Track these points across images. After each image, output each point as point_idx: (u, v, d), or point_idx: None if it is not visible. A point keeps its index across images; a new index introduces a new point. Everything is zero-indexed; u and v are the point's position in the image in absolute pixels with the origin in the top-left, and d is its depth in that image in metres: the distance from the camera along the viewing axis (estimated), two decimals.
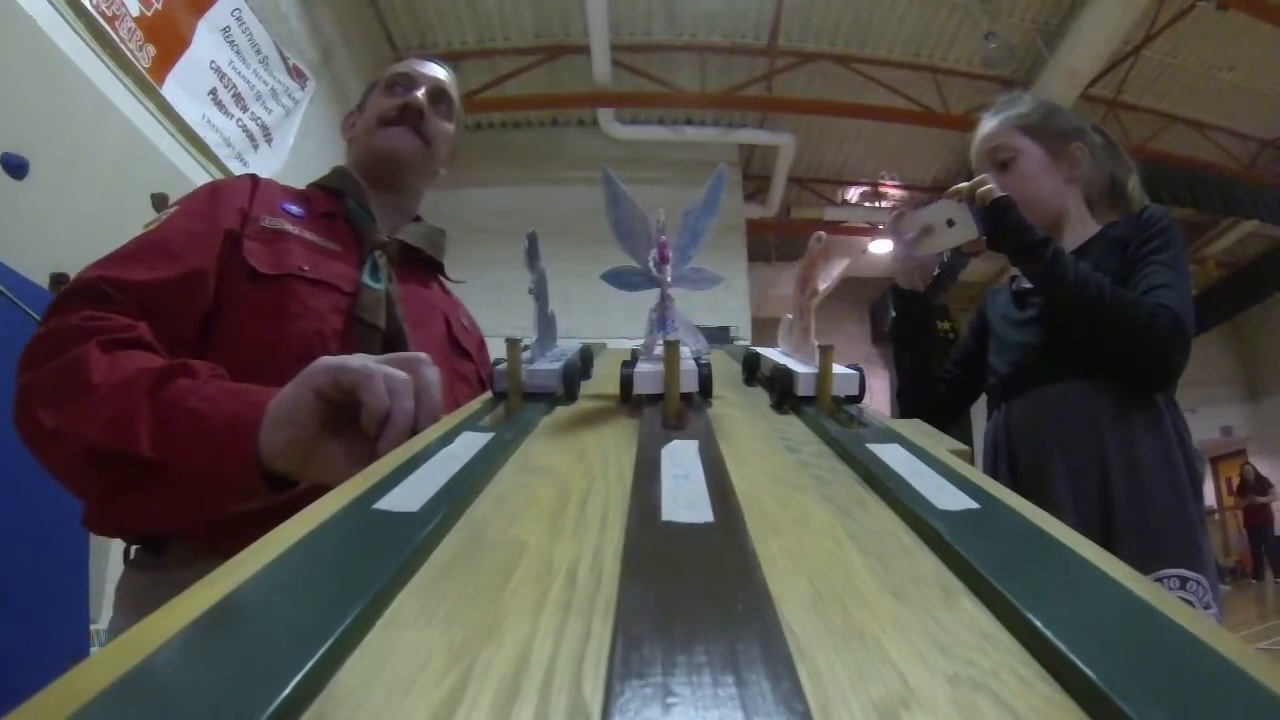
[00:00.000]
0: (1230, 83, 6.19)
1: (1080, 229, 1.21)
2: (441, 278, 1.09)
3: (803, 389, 0.51)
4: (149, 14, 3.16)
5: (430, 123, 1.04)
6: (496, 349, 0.67)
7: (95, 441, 0.59)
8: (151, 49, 3.19)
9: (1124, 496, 0.99)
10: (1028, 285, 1.19)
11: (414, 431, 0.50)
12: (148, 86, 3.17)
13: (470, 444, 0.35)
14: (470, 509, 0.28)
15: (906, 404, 1.31)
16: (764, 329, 6.67)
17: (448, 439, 0.37)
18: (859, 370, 0.52)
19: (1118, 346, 1.03)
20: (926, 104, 5.98)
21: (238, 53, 3.78)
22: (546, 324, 0.58)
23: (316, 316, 0.82)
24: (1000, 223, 1.09)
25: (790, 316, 0.66)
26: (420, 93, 1.03)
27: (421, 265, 1.03)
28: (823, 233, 0.57)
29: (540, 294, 0.57)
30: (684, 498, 0.27)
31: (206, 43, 3.51)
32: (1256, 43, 5.60)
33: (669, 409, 0.45)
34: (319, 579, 0.22)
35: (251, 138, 3.87)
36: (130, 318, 0.69)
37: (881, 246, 7.06)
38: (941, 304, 7.96)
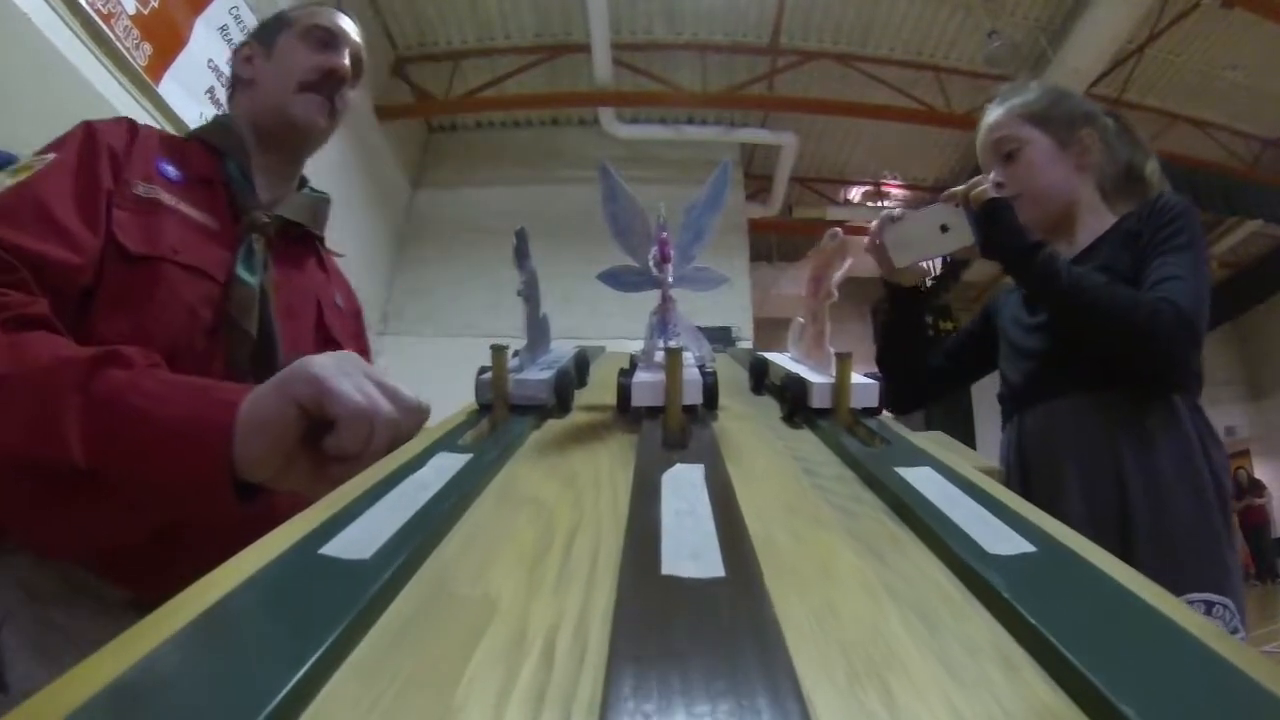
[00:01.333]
0: (1234, 82, 6.14)
1: (1094, 221, 1.14)
2: (321, 249, 1.02)
3: (817, 400, 0.46)
4: (145, 12, 3.13)
5: (344, 94, 0.97)
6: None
7: (6, 448, 0.50)
8: (148, 47, 3.16)
9: (1143, 511, 0.93)
10: None
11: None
12: (144, 85, 3.13)
13: (444, 468, 0.31)
14: (437, 550, 0.24)
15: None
16: (765, 329, 6.63)
17: (419, 461, 0.32)
18: (879, 380, 0.48)
19: (1119, 348, 0.98)
20: (929, 103, 5.94)
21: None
22: (538, 328, 0.54)
23: (186, 309, 0.75)
24: (992, 226, 1.04)
25: (801, 320, 0.61)
26: (345, 59, 0.96)
27: (300, 239, 0.96)
28: (838, 228, 0.52)
29: (530, 296, 0.52)
30: (688, 542, 0.22)
31: (204, 41, 3.48)
32: (1261, 41, 5.54)
33: (670, 424, 0.40)
34: (233, 659, 0.17)
35: None
36: (25, 292, 0.61)
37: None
38: (944, 303, 7.91)
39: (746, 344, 5.36)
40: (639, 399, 0.45)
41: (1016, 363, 1.14)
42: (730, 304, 5.56)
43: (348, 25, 1.00)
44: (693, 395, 0.45)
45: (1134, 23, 5.15)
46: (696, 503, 0.25)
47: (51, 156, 0.74)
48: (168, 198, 0.79)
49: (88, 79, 2.83)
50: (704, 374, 0.47)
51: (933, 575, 0.23)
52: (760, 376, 0.62)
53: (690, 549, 0.22)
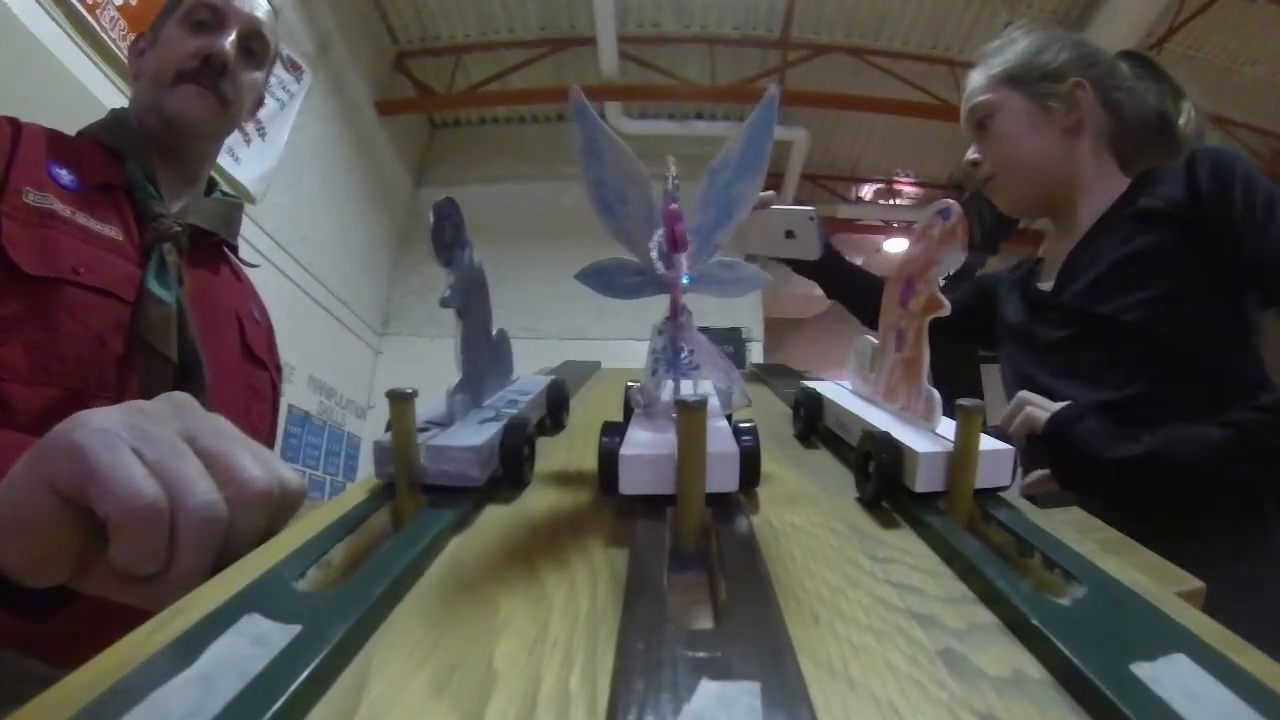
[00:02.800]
0: (1254, 77, 5.96)
1: (1102, 196, 0.91)
2: (233, 258, 0.91)
3: (924, 481, 0.29)
4: (133, 3, 3.01)
5: (234, 79, 0.84)
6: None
7: None
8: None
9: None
10: (1046, 286, 0.94)
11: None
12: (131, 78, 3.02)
13: (221, 674, 0.16)
14: None
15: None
16: (775, 331, 6.47)
17: (196, 643, 0.17)
18: (1009, 442, 0.32)
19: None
20: (943, 98, 5.77)
21: None
22: (482, 354, 0.37)
23: (93, 338, 0.64)
24: (1065, 454, 0.78)
25: (873, 340, 0.44)
26: (229, 40, 0.83)
27: (210, 249, 0.85)
28: (949, 200, 0.35)
29: (468, 305, 0.35)
30: None
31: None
32: None
33: (684, 538, 0.25)
34: None
35: (244, 132, 3.71)
36: None
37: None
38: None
39: (757, 346, 5.21)
40: (631, 483, 0.28)
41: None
42: (738, 303, 5.39)
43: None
44: (721, 478, 0.28)
45: (1153, 16, 4.98)
46: None
47: None
48: (62, 207, 0.68)
49: (72, 72, 2.73)
50: (740, 436, 0.30)
51: None
52: (812, 422, 0.45)
53: None
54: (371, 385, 4.97)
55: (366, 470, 0.33)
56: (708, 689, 0.15)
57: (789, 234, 0.98)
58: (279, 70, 4.09)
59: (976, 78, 1.01)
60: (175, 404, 0.36)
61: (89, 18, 2.81)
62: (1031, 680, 0.18)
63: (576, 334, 4.72)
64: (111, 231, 0.72)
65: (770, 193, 1.01)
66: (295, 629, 0.17)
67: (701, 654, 0.16)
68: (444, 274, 0.34)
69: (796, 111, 6.13)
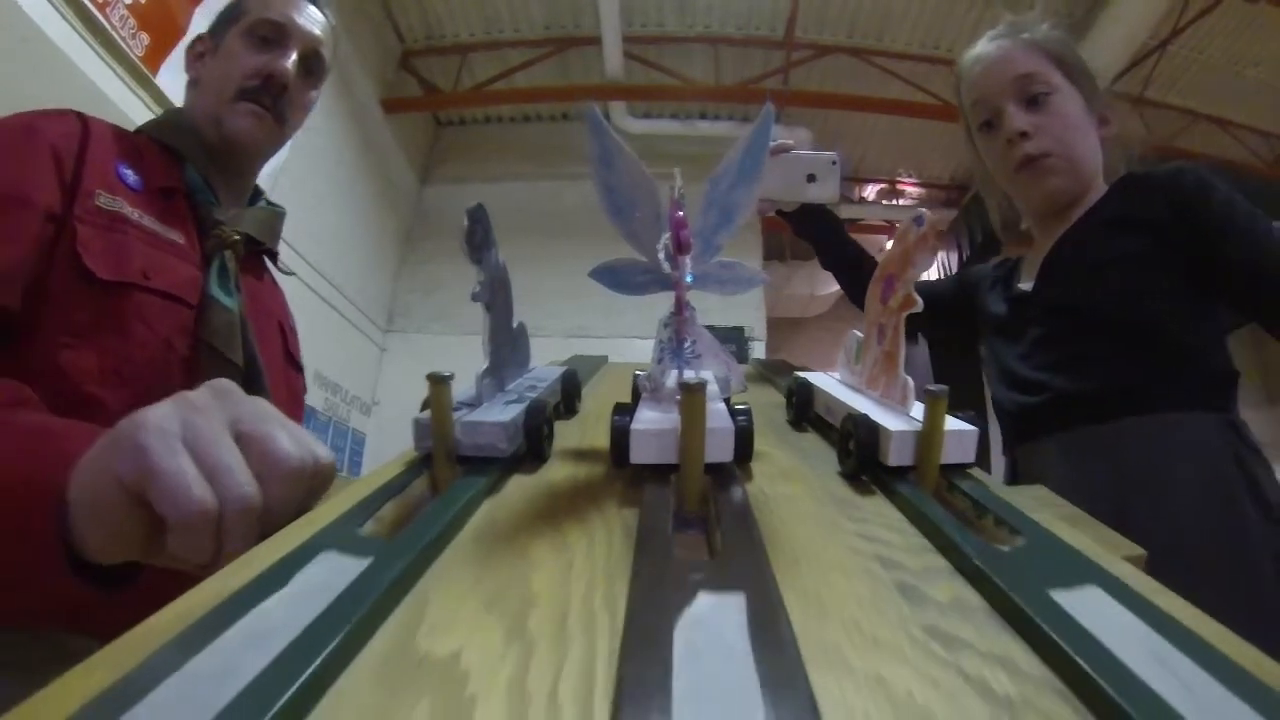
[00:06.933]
0: (1256, 79, 5.97)
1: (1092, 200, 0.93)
2: (272, 265, 0.92)
3: (896, 457, 0.33)
4: (142, 1, 3.05)
5: (292, 98, 0.86)
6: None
7: None
8: (145, 37, 3.08)
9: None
10: (1026, 286, 0.96)
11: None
12: (141, 76, 3.06)
13: (311, 592, 0.20)
14: None
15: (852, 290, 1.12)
16: (778, 330, 6.49)
17: (282, 572, 0.21)
18: (975, 423, 0.36)
19: None
20: (946, 98, 5.79)
21: None
22: (506, 344, 0.41)
23: (161, 342, 0.65)
24: None
25: (858, 334, 0.48)
26: (291, 60, 0.84)
27: (254, 254, 0.87)
28: (923, 211, 0.39)
29: (494, 300, 0.39)
30: None
31: (203, 30, 3.39)
32: None
33: (688, 499, 0.29)
34: None
35: None
36: None
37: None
38: None
39: (759, 344, 5.25)
40: (640, 454, 0.32)
41: (1010, 391, 0.95)
42: (742, 302, 5.42)
43: (304, 16, 0.87)
44: (718, 450, 0.32)
45: (1156, 18, 4.99)
46: (742, 701, 0.14)
47: None
48: (131, 210, 0.69)
49: (82, 70, 2.76)
50: (736, 416, 0.35)
51: None
52: (804, 409, 0.49)
53: None
54: (376, 382, 5.00)
55: (370, 466, 0.37)
56: (704, 598, 0.19)
57: (810, 178, 0.98)
58: None
59: (1008, 45, 0.95)
60: (219, 392, 0.40)
61: (99, 16, 2.84)
62: (970, 606, 0.22)
63: (582, 332, 4.76)
64: (175, 235, 0.72)
65: (790, 140, 1.01)
66: (367, 561, 0.21)
67: (699, 576, 0.20)
68: (461, 272, 0.38)
69: (799, 112, 6.15)
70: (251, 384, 0.70)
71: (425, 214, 5.90)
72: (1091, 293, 0.87)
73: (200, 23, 3.36)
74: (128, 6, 2.96)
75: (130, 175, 0.72)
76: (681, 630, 0.17)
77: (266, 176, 0.91)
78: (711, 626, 0.17)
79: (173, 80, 3.17)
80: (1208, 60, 5.87)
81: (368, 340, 5.03)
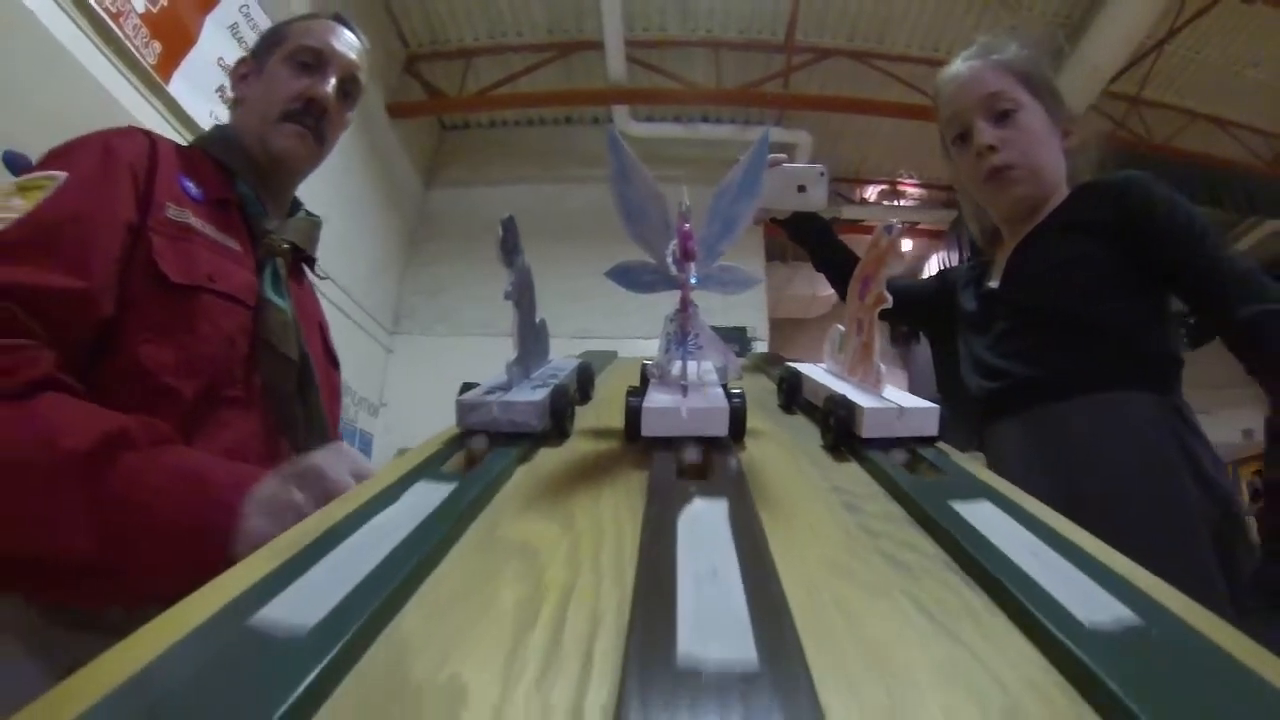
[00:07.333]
0: (1254, 79, 6.02)
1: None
2: (311, 271, 1.00)
3: (869, 429, 0.40)
4: (155, 10, 3.12)
5: (331, 119, 0.92)
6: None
7: (10, 544, 0.49)
8: (158, 45, 3.14)
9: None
10: (994, 284, 1.04)
11: None
12: (154, 84, 3.12)
13: (418, 505, 0.26)
14: (395, 621, 0.19)
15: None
16: (780, 330, 6.55)
17: (393, 494, 0.27)
18: (939, 405, 0.42)
19: None
20: None
21: (246, 49, 3.73)
22: (531, 336, 0.48)
23: (225, 339, 0.72)
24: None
25: (841, 328, 0.54)
26: (331, 85, 0.91)
27: (296, 261, 0.94)
28: (895, 221, 0.46)
29: (521, 298, 0.46)
30: (711, 614, 0.18)
31: (214, 39, 3.46)
32: None
33: (689, 460, 0.35)
34: None
35: None
36: (31, 340, 0.57)
37: (901, 247, 6.92)
38: None
39: (761, 344, 5.30)
40: (651, 428, 0.38)
41: (977, 375, 1.03)
42: (744, 303, 5.49)
43: (342, 42, 0.94)
44: (716, 425, 0.38)
45: (1154, 18, 5.03)
46: (721, 560, 0.20)
47: (63, 176, 0.70)
48: (196, 221, 0.76)
49: (97, 78, 2.82)
50: (730, 397, 0.41)
51: (1021, 664, 0.18)
52: (793, 394, 0.56)
53: (714, 625, 0.17)
54: (383, 383, 5.07)
55: (379, 466, 0.50)
56: (698, 501, 0.25)
57: (800, 188, 1.06)
58: None
59: (979, 66, 1.03)
60: (339, 451, 0.57)
61: (113, 25, 2.89)
62: (895, 515, 0.30)
63: (586, 333, 4.82)
64: (232, 243, 0.79)
65: (782, 155, 1.09)
66: (453, 484, 0.28)
67: (693, 489, 0.26)
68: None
69: (800, 115, 6.21)
70: (304, 376, 0.78)
71: (430, 217, 5.97)
72: (1048, 291, 0.96)
73: (211, 31, 3.44)
74: (141, 16, 3.03)
75: (191, 187, 0.79)
76: (684, 523, 0.23)
77: None
78: (703, 519, 0.23)
79: (184, 88, 3.24)
80: (1205, 60, 5.91)
81: (374, 342, 5.09)
